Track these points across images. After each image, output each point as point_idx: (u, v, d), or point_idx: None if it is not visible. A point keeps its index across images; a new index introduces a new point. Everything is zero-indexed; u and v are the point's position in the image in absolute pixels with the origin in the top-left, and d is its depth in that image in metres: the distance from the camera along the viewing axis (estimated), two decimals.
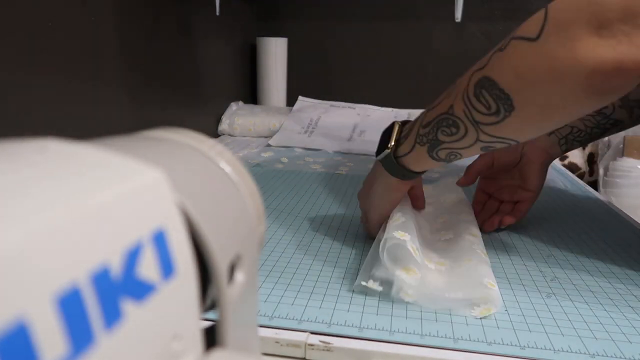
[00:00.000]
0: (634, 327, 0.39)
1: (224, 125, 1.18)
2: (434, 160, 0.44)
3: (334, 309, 0.41)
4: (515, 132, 0.39)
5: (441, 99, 0.42)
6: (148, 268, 0.14)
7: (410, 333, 0.37)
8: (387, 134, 0.48)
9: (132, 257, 0.13)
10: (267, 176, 0.82)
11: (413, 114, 1.22)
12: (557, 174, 0.88)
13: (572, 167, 1.18)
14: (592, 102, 0.35)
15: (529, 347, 0.36)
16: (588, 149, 1.53)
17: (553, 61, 0.33)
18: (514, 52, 0.35)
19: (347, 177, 0.82)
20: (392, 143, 0.46)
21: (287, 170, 0.86)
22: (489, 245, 0.55)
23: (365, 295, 0.43)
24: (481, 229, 0.53)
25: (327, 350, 0.36)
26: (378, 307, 0.41)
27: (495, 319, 0.39)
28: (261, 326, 0.38)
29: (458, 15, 1.37)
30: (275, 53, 1.34)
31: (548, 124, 0.38)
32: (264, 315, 0.39)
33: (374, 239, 0.48)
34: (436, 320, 0.39)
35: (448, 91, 0.42)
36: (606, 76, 0.32)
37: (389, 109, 1.25)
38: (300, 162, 0.93)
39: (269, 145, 1.08)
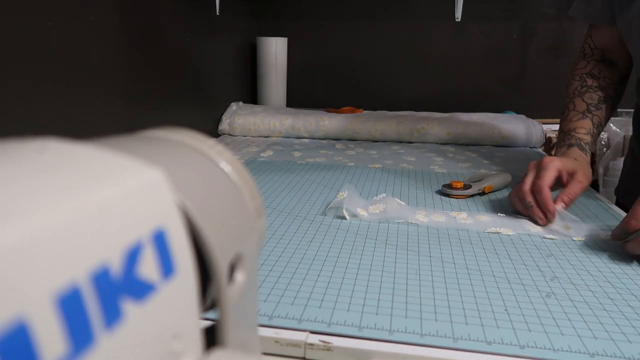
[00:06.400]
0: (634, 327, 0.39)
1: (224, 125, 1.18)
2: None
3: (334, 308, 0.41)
4: None
5: None
6: (148, 268, 0.14)
7: (409, 332, 0.37)
8: None
9: (132, 256, 0.13)
10: (267, 175, 0.82)
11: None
12: None
13: None
14: None
15: (528, 346, 0.36)
16: None
17: None
18: None
19: (347, 177, 0.82)
20: None
21: (288, 170, 0.86)
22: (489, 245, 0.55)
23: (365, 294, 0.43)
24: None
25: (327, 349, 0.36)
26: (378, 306, 0.41)
27: (495, 319, 0.40)
28: (261, 326, 0.38)
29: (458, 15, 1.37)
30: (275, 53, 1.34)
31: None
32: (264, 315, 0.39)
33: None
34: (436, 320, 0.39)
35: None
36: None
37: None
38: (301, 163, 0.93)
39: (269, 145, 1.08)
